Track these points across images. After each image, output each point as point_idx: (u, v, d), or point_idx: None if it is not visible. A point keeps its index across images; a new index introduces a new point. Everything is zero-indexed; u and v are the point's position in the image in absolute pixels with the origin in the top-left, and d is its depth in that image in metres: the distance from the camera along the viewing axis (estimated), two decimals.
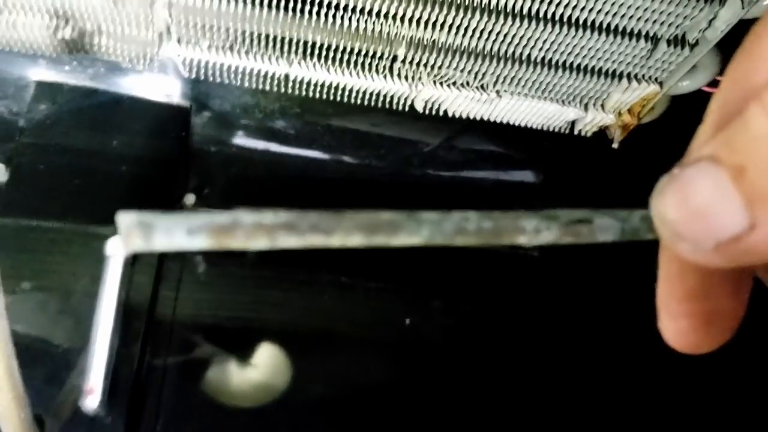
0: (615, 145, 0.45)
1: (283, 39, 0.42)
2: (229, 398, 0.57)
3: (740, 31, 0.39)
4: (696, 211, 0.16)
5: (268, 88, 0.45)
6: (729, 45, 0.41)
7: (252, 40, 0.42)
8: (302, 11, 0.39)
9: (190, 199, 0.55)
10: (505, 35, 0.39)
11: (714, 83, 0.45)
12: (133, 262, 0.53)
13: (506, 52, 0.41)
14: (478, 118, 0.47)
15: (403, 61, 0.43)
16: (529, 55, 0.41)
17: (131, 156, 0.55)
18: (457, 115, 0.46)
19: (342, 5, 0.39)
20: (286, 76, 0.44)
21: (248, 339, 0.58)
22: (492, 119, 0.47)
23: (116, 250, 0.52)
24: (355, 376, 0.59)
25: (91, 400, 0.48)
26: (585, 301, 0.59)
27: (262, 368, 0.58)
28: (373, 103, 0.46)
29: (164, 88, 0.56)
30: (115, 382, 0.51)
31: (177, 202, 0.55)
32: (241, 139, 0.56)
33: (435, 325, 0.60)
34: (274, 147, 0.56)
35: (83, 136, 0.55)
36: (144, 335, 0.53)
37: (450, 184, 0.60)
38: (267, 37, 0.42)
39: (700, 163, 0.16)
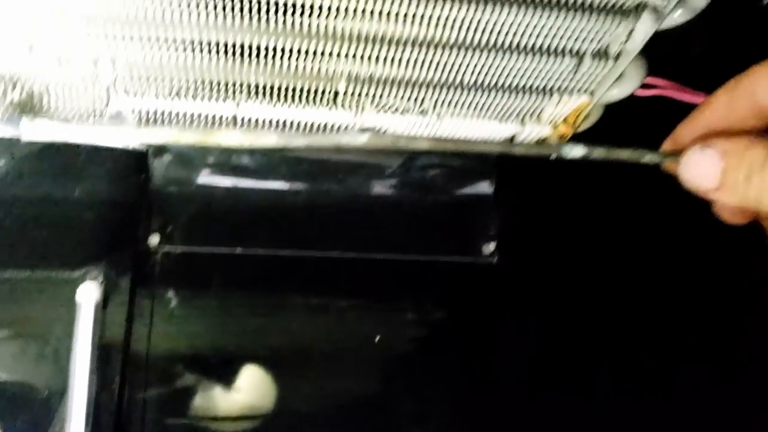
0: (553, 156, 0.47)
1: (227, 83, 0.43)
2: (220, 425, 0.58)
3: (659, 40, 0.42)
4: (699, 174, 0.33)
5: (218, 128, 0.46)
6: (651, 52, 0.43)
7: (197, 87, 0.43)
8: (242, 56, 0.41)
9: (154, 239, 0.56)
10: (437, 64, 0.41)
11: (644, 86, 0.47)
12: (105, 305, 0.55)
13: (440, 79, 0.43)
14: None
15: (345, 94, 0.45)
16: (461, 81, 0.43)
17: (94, 202, 0.56)
18: None
19: (279, 48, 0.40)
20: (234, 117, 0.45)
21: (228, 365, 0.60)
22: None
23: (87, 296, 0.53)
24: (338, 390, 0.61)
25: None
26: (543, 305, 0.62)
27: (247, 390, 0.59)
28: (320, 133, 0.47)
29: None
30: (97, 424, 0.52)
31: (142, 243, 0.57)
32: (199, 177, 0.57)
33: (407, 336, 0.61)
34: (232, 181, 0.58)
35: (45, 186, 0.56)
36: (121, 372, 0.54)
37: (408, 203, 0.62)
38: (212, 82, 0.43)
39: (712, 152, 0.32)
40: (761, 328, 0.63)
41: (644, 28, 0.39)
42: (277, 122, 0.46)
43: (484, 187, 0.63)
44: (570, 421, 0.61)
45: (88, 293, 0.53)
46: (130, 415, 0.56)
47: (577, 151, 0.37)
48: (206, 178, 0.57)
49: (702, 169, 0.32)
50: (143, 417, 0.56)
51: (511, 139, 0.49)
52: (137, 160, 0.57)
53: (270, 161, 0.58)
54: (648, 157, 0.38)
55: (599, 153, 0.38)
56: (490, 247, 0.62)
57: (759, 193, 0.30)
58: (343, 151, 0.60)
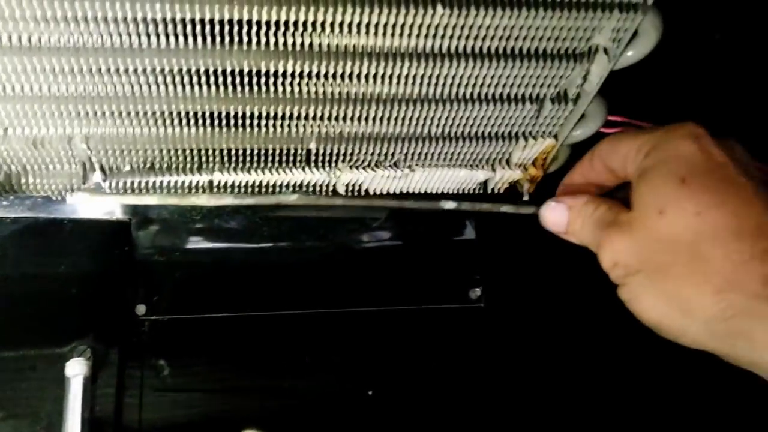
0: (525, 198, 0.48)
1: (200, 150, 0.44)
2: None
3: (615, 78, 0.43)
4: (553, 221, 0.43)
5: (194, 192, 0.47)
6: (610, 91, 0.45)
7: (171, 156, 0.44)
8: (212, 124, 0.42)
9: (141, 309, 0.56)
10: (404, 119, 0.42)
11: (608, 123, 0.48)
12: (94, 379, 0.54)
13: (408, 132, 0.44)
14: (398, 192, 0.50)
15: (317, 153, 0.46)
16: (429, 132, 0.44)
17: (79, 276, 0.57)
18: (377, 192, 0.49)
19: (248, 113, 0.41)
20: (210, 183, 0.46)
21: (226, 428, 0.59)
22: (412, 191, 0.50)
23: (75, 373, 0.53)
24: None
25: None
26: (531, 343, 0.62)
27: None
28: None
29: (104, 207, 0.58)
30: None
31: (129, 314, 0.57)
32: (182, 243, 0.58)
33: (401, 387, 0.61)
34: (215, 245, 0.58)
35: (31, 265, 0.57)
36: None
37: (392, 254, 0.62)
38: (184, 151, 0.44)
39: (562, 206, 0.43)
40: None
41: (598, 70, 0.41)
42: (253, 185, 0.47)
43: (468, 233, 0.64)
44: None
45: (77, 369, 0.53)
46: None
47: (450, 205, 0.47)
48: (189, 245, 0.58)
49: (554, 218, 0.43)
50: None
51: (484, 185, 0.50)
52: (120, 232, 0.57)
53: (252, 223, 0.58)
54: (504, 208, 0.47)
55: (466, 206, 0.47)
56: (476, 292, 0.62)
57: (589, 237, 0.41)
58: (324, 209, 0.61)
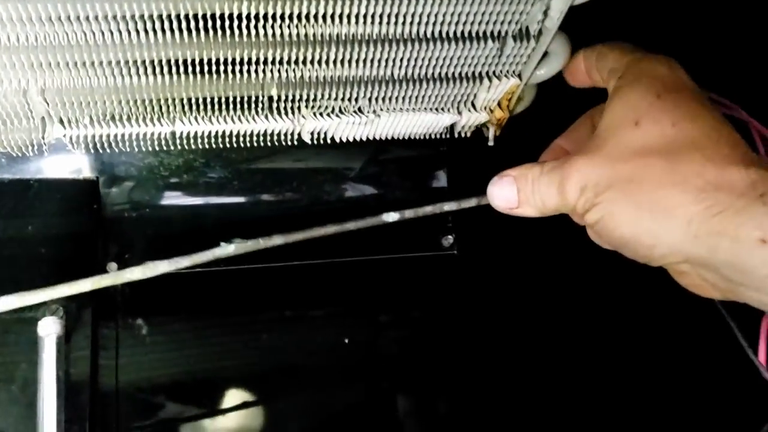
0: (491, 143, 0.48)
1: (159, 100, 0.43)
2: None
3: (576, 14, 0.43)
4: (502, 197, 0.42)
5: (157, 147, 0.46)
6: (573, 29, 0.44)
7: (130, 107, 0.44)
8: (170, 72, 0.41)
9: (112, 267, 0.56)
10: (365, 60, 0.42)
11: None
12: (68, 339, 0.54)
13: (370, 75, 0.43)
14: (364, 138, 0.49)
15: (279, 99, 0.45)
16: (392, 74, 0.44)
17: (48, 237, 0.56)
18: (344, 140, 0.49)
19: (206, 59, 0.41)
20: (172, 134, 0.46)
21: (209, 389, 0.59)
22: (378, 137, 0.49)
23: (48, 332, 0.52)
24: (323, 401, 0.61)
25: None
26: (505, 293, 0.62)
27: (235, 415, 0.59)
28: (262, 143, 0.48)
29: (71, 165, 0.57)
30: None
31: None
32: (152, 199, 0.57)
33: (380, 336, 0.62)
34: (186, 200, 0.58)
35: None
36: (91, 408, 0.54)
37: (366, 203, 0.62)
38: (144, 101, 0.43)
39: (507, 179, 0.42)
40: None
41: (558, 5, 0.40)
42: (216, 135, 0.47)
43: (440, 180, 0.64)
44: (536, 400, 0.61)
45: (50, 328, 0.52)
46: None
47: (393, 216, 0.48)
48: (159, 200, 0.57)
49: (504, 193, 0.42)
50: None
51: (451, 129, 0.50)
52: (88, 190, 0.56)
53: (223, 177, 0.58)
54: (447, 206, 0.47)
55: (410, 214, 0.48)
56: (449, 239, 0.62)
57: (542, 198, 0.40)
58: (299, 159, 0.60)
